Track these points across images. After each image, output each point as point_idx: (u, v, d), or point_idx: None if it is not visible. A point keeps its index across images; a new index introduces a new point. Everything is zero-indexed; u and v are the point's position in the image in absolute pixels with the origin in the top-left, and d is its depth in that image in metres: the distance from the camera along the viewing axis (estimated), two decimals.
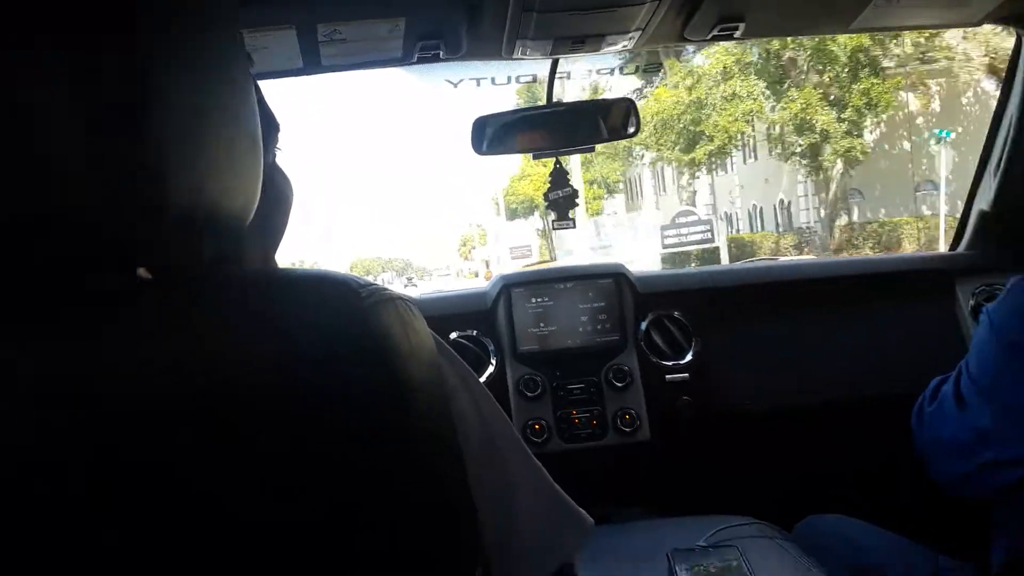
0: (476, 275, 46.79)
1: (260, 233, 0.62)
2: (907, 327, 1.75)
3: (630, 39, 1.29)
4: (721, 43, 1.35)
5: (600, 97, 1.63)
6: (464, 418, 0.57)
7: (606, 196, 34.22)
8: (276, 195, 0.66)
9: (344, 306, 0.49)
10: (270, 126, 0.66)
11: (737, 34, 1.29)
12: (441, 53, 1.28)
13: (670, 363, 1.74)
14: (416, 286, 59.08)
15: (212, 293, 0.50)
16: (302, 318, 0.48)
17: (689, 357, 1.73)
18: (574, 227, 1.71)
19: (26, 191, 0.42)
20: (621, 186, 35.10)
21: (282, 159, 0.70)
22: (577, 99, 1.60)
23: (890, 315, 1.78)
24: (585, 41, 1.29)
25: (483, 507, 0.56)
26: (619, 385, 1.70)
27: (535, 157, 1.63)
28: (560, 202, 1.65)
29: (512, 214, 35.84)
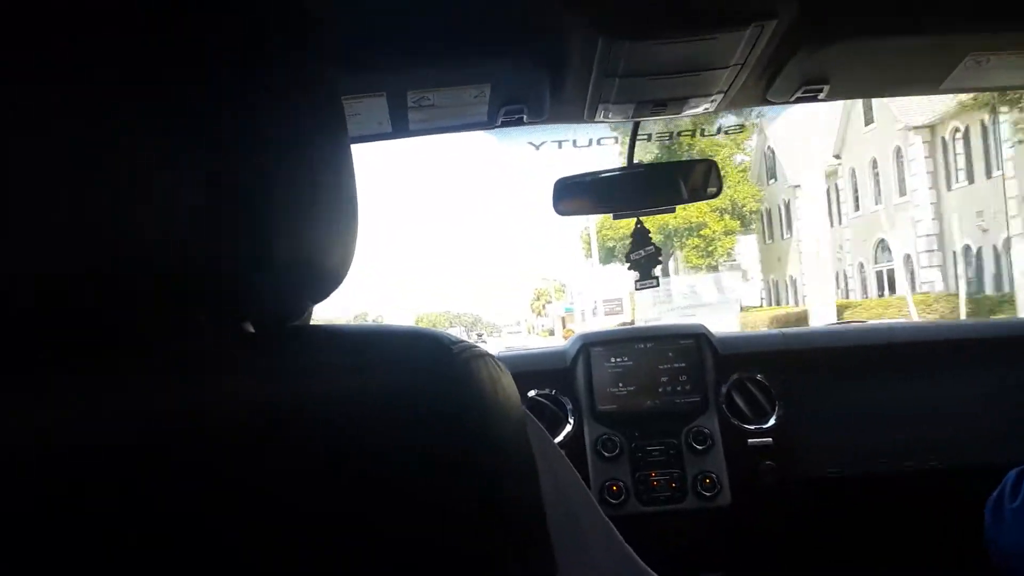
0: (551, 333, 45.17)
1: None
2: (1005, 394, 1.67)
3: (712, 102, 1.30)
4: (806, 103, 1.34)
5: (682, 159, 1.62)
6: (543, 478, 0.57)
7: (740, 230, 27.21)
8: None
9: (438, 361, 0.51)
10: None
11: (822, 96, 1.28)
12: (525, 117, 1.31)
13: (752, 427, 1.70)
14: (486, 343, 58.90)
15: (310, 341, 0.52)
16: (399, 371, 0.50)
17: (772, 421, 1.69)
18: (657, 286, 1.71)
19: (143, 247, 0.45)
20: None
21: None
22: (658, 159, 1.60)
23: (985, 381, 1.70)
24: (667, 104, 1.30)
25: (560, 565, 0.56)
26: (699, 448, 1.67)
27: (615, 217, 1.64)
28: (642, 262, 1.65)
29: (607, 255, 28.49)
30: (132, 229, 0.44)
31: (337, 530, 0.45)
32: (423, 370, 0.50)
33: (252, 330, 0.53)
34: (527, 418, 0.58)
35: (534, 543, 0.53)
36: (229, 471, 0.44)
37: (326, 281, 0.55)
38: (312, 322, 0.68)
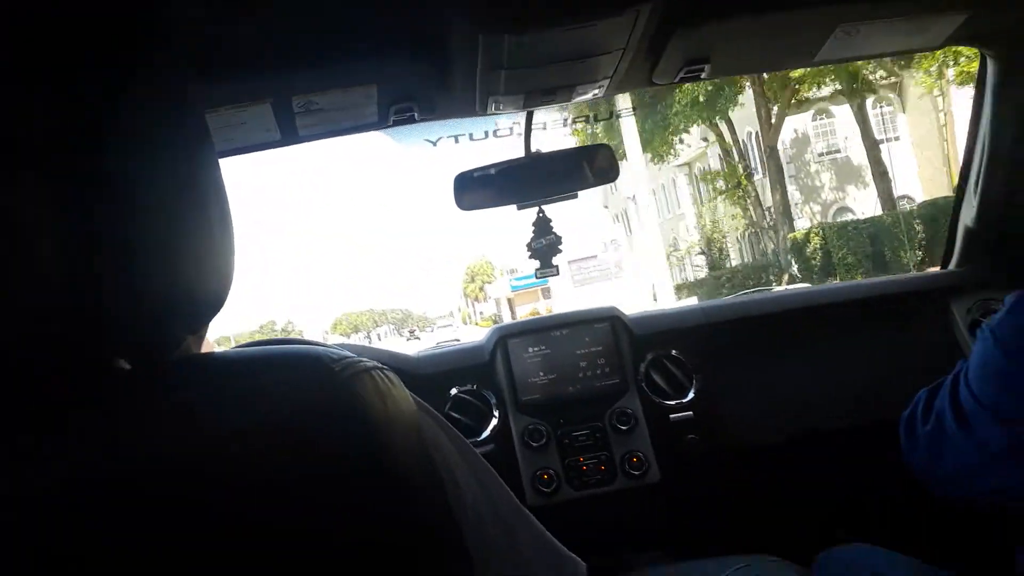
0: (497, 320, 40.86)
1: None
2: (906, 348, 1.75)
3: (600, 87, 1.31)
4: (689, 83, 1.37)
5: (577, 145, 1.63)
6: (459, 481, 0.56)
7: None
8: None
9: (319, 381, 0.50)
10: None
11: (704, 75, 1.31)
12: (416, 115, 1.30)
13: (673, 402, 1.73)
14: (419, 339, 55.96)
15: (188, 377, 0.50)
16: (278, 396, 0.48)
17: (691, 395, 1.73)
18: (557, 274, 1.72)
19: (9, 294, 0.42)
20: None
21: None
22: (555, 148, 1.61)
23: (888, 337, 1.77)
24: (556, 92, 1.31)
25: (490, 550, 0.56)
26: (624, 428, 1.69)
27: (519, 208, 1.64)
28: (544, 250, 1.66)
29: None
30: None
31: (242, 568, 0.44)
32: (305, 396, 0.49)
33: (127, 367, 0.51)
34: (427, 425, 0.58)
35: (447, 547, 0.52)
36: (105, 523, 0.42)
37: (204, 307, 0.53)
38: (207, 339, 0.65)
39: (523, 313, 32.81)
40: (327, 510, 0.46)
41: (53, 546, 0.41)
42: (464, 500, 0.56)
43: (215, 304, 0.54)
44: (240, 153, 1.31)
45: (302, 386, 0.49)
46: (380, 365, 0.56)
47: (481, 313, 61.42)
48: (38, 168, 0.43)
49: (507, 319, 33.14)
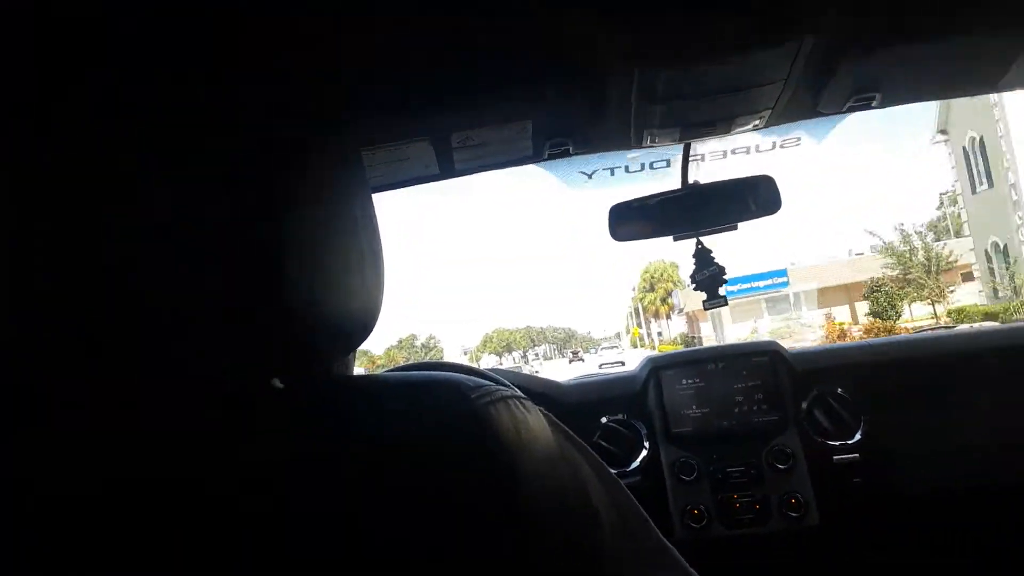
0: (689, 342, 36.09)
1: None
2: None
3: (761, 118, 1.28)
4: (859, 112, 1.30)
5: (738, 177, 1.60)
6: (599, 511, 0.57)
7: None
8: None
9: (454, 406, 0.52)
10: None
11: (875, 103, 1.25)
12: (571, 148, 1.32)
13: (837, 443, 1.64)
14: (583, 360, 53.72)
15: (335, 396, 0.53)
16: (414, 423, 0.51)
17: (858, 436, 1.63)
18: (725, 304, 1.68)
19: (163, 300, 0.47)
20: None
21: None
22: (714, 179, 1.58)
23: None
24: (715, 124, 1.29)
25: None
26: (782, 467, 1.62)
27: (675, 239, 1.63)
28: (707, 281, 1.63)
29: None
30: (149, 281, 0.46)
31: None
32: (439, 419, 0.51)
33: (280, 385, 0.56)
34: (568, 453, 0.58)
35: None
36: (255, 524, 0.45)
37: (352, 332, 0.57)
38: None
39: (735, 336, 27.99)
40: (449, 531, 0.47)
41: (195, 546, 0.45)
42: (600, 521, 0.56)
43: (362, 330, 0.58)
44: (401, 187, 1.39)
45: (438, 410, 0.51)
46: (519, 395, 0.57)
47: (660, 334, 51.46)
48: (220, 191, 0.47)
49: (711, 340, 28.18)
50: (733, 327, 30.32)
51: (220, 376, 0.51)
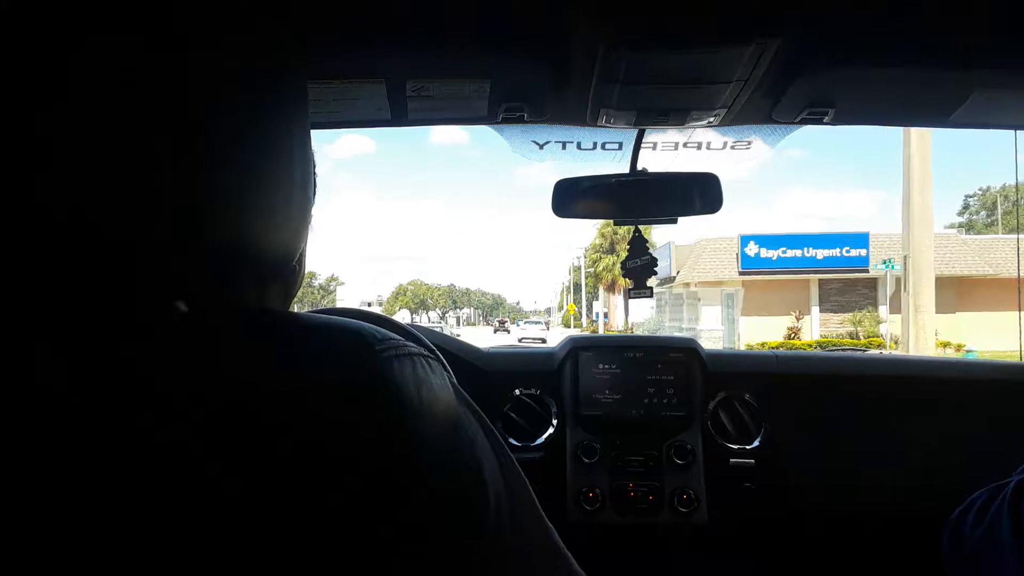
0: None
1: (284, 278, 0.64)
2: (992, 438, 1.63)
3: (716, 115, 1.28)
4: (810, 125, 1.32)
5: (686, 171, 1.61)
6: (487, 481, 0.56)
7: None
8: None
9: (356, 358, 0.50)
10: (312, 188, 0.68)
11: (827, 119, 1.26)
12: (525, 115, 1.31)
13: (736, 446, 1.68)
14: (508, 332, 51.18)
15: (234, 328, 0.51)
16: (313, 361, 0.49)
17: (756, 443, 1.67)
18: (651, 296, 1.70)
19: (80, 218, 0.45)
20: None
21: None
22: (663, 170, 1.59)
23: (973, 424, 1.66)
24: (670, 114, 1.29)
25: (502, 559, 0.55)
26: (680, 462, 1.66)
27: (616, 223, 1.63)
28: (638, 270, 1.64)
29: None
30: (57, 196, 0.44)
31: (242, 540, 0.44)
32: (339, 367, 0.49)
33: (184, 309, 0.53)
34: (466, 420, 0.57)
35: (456, 545, 0.52)
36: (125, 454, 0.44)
37: (271, 260, 0.55)
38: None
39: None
40: (337, 482, 0.46)
41: (55, 474, 0.43)
42: (488, 500, 0.55)
43: (282, 259, 0.56)
44: (350, 127, 1.35)
45: (339, 357, 0.50)
46: (426, 353, 0.56)
47: (605, 315, 40.74)
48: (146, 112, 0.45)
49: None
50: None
51: (127, 295, 0.49)
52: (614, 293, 39.93)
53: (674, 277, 27.34)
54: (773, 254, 24.78)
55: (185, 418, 0.45)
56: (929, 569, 1.46)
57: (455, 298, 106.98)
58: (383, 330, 0.54)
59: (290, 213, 0.56)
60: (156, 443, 0.44)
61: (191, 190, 0.47)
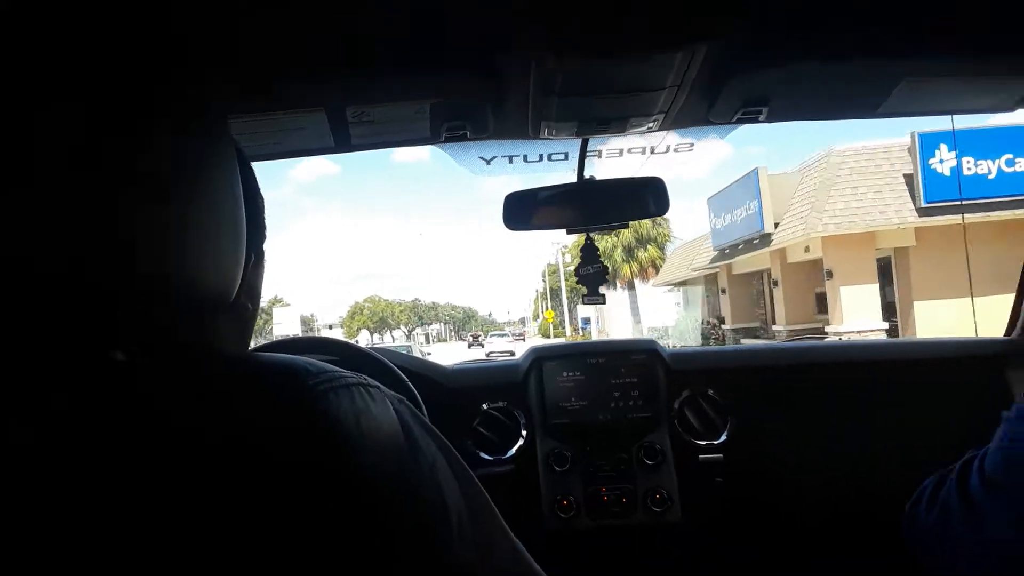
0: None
1: (237, 315, 0.64)
2: (959, 417, 1.67)
3: (654, 121, 1.31)
4: (747, 124, 1.35)
5: (630, 176, 1.63)
6: (448, 502, 0.56)
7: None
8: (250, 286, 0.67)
9: (294, 394, 0.51)
10: (259, 220, 0.68)
11: (761, 117, 1.29)
12: (468, 133, 1.32)
13: (704, 443, 1.70)
14: (483, 345, 47.19)
15: (168, 381, 0.51)
16: (249, 408, 0.49)
17: (723, 437, 1.70)
18: (603, 303, 1.72)
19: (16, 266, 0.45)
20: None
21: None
22: (608, 176, 1.61)
23: (940, 403, 1.69)
24: (609, 123, 1.31)
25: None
26: (650, 463, 1.67)
27: (568, 232, 1.65)
28: (590, 277, 1.66)
29: None
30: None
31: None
32: (274, 410, 0.50)
33: (121, 358, 0.53)
34: (423, 445, 0.57)
35: (417, 570, 0.52)
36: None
37: (205, 302, 0.55)
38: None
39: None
40: (286, 527, 0.46)
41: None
42: (451, 522, 0.55)
43: (217, 301, 0.56)
44: (295, 156, 1.35)
45: (274, 400, 0.50)
46: (367, 381, 0.56)
47: (585, 323, 37.69)
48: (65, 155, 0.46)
49: None
50: None
51: (62, 346, 0.49)
52: (616, 288, 32.58)
53: (767, 238, 15.42)
54: (989, 168, 12.56)
55: (123, 469, 0.45)
56: (902, 547, 1.49)
57: (420, 314, 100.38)
58: (320, 363, 0.54)
59: (222, 249, 0.56)
60: (97, 491, 0.44)
61: (120, 232, 0.47)
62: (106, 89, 0.48)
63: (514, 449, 1.70)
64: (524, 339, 50.51)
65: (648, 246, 32.33)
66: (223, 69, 0.56)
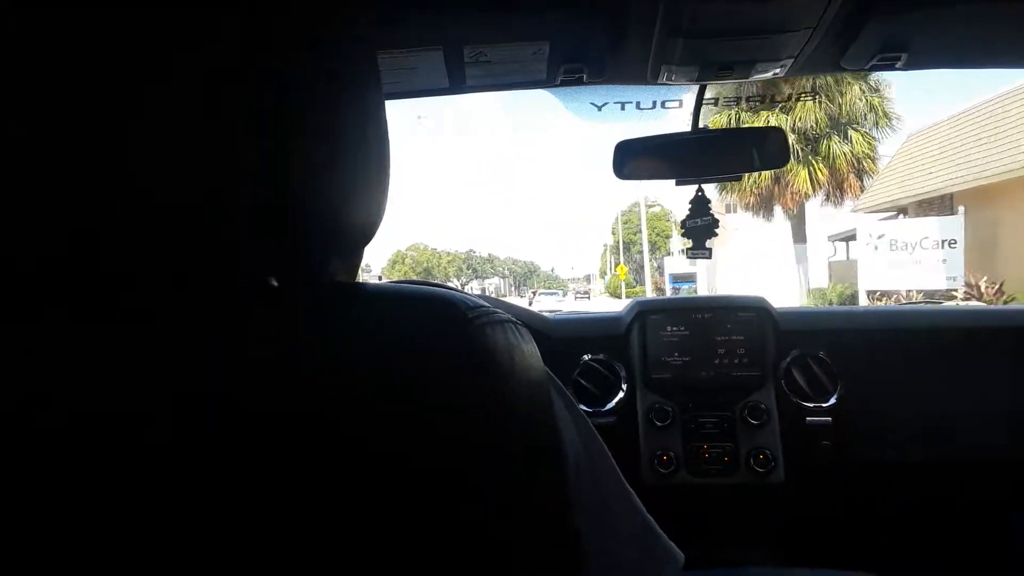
0: None
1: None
2: None
3: (782, 66, 1.24)
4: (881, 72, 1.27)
5: (750, 125, 1.56)
6: (567, 449, 0.56)
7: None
8: None
9: (451, 325, 0.50)
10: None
11: (899, 64, 1.21)
12: (585, 76, 1.29)
13: (811, 405, 1.65)
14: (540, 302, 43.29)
15: (325, 303, 0.51)
16: (409, 334, 0.49)
17: (833, 400, 1.64)
18: (709, 257, 1.68)
19: (162, 188, 0.45)
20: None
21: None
22: (725, 126, 1.55)
23: None
24: (734, 67, 1.25)
25: (585, 521, 0.56)
26: (755, 423, 1.64)
27: (677, 183, 1.60)
28: (698, 230, 1.62)
29: None
30: (143, 178, 0.45)
31: (339, 501, 0.45)
32: (435, 336, 0.49)
33: (275, 284, 0.54)
34: (552, 388, 0.58)
35: (550, 505, 0.52)
36: (236, 432, 0.44)
37: (352, 236, 0.55)
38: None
39: None
40: (434, 452, 0.47)
41: (156, 458, 0.43)
42: (568, 471, 0.55)
43: (364, 235, 0.56)
44: (409, 97, 1.35)
45: (434, 326, 0.50)
46: (514, 319, 0.56)
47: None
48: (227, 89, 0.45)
49: None
50: None
51: (219, 272, 0.50)
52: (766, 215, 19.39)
53: None
54: None
55: (283, 387, 0.45)
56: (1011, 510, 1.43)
57: (474, 266, 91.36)
58: (472, 297, 0.54)
59: (368, 187, 0.55)
60: (251, 411, 0.45)
61: (272, 167, 0.48)
62: (254, 17, 0.48)
63: (614, 402, 1.69)
64: (589, 297, 48.30)
65: (850, 133, 17.52)
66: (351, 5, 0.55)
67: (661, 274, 34.36)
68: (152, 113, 0.44)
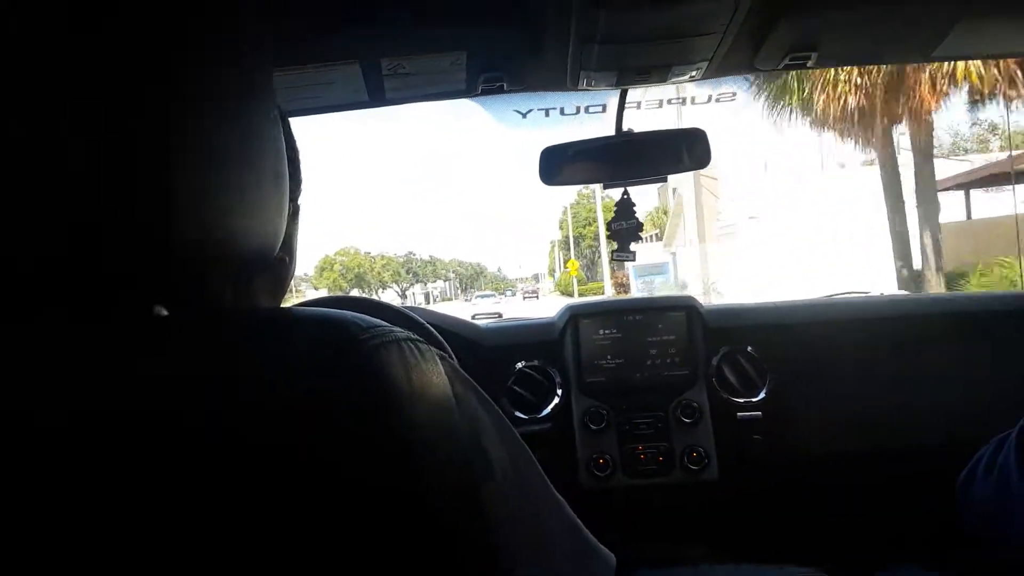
0: None
1: (275, 270, 0.62)
2: (1002, 371, 1.64)
3: (697, 69, 1.26)
4: (793, 71, 1.30)
5: (671, 128, 1.59)
6: (492, 461, 0.55)
7: None
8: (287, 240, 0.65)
9: (340, 356, 0.48)
10: (296, 174, 0.66)
11: (809, 63, 1.24)
12: (505, 85, 1.29)
13: (742, 400, 1.68)
14: (499, 303, 43.63)
15: (218, 331, 0.50)
16: (298, 361, 0.48)
17: (762, 395, 1.67)
18: (634, 260, 1.70)
19: (46, 208, 0.43)
20: None
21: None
22: (647, 129, 1.56)
23: (983, 357, 1.66)
24: (651, 72, 1.27)
25: (515, 536, 0.55)
26: (687, 421, 1.66)
27: (605, 187, 1.62)
28: (623, 233, 1.63)
29: None
30: (22, 199, 0.42)
31: (233, 532, 0.43)
32: (324, 363, 0.48)
33: (164, 313, 0.52)
34: (465, 399, 0.56)
35: (461, 531, 0.51)
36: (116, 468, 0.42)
37: (247, 260, 0.54)
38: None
39: None
40: (332, 483, 0.45)
41: (52, 479, 0.42)
42: (494, 480, 0.54)
43: (259, 259, 0.55)
44: (327, 111, 1.33)
45: (320, 359, 0.48)
46: (414, 337, 0.54)
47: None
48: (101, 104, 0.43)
49: None
50: None
51: (103, 301, 0.48)
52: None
53: None
54: None
55: (171, 420, 0.44)
56: (942, 499, 1.47)
57: (414, 269, 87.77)
58: (368, 317, 0.53)
59: (264, 210, 0.54)
60: (140, 444, 0.43)
61: (158, 190, 0.46)
62: (143, 36, 0.46)
63: (549, 408, 1.69)
64: (538, 297, 46.84)
65: None
66: (258, 22, 0.53)
67: (620, 268, 30.79)
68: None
